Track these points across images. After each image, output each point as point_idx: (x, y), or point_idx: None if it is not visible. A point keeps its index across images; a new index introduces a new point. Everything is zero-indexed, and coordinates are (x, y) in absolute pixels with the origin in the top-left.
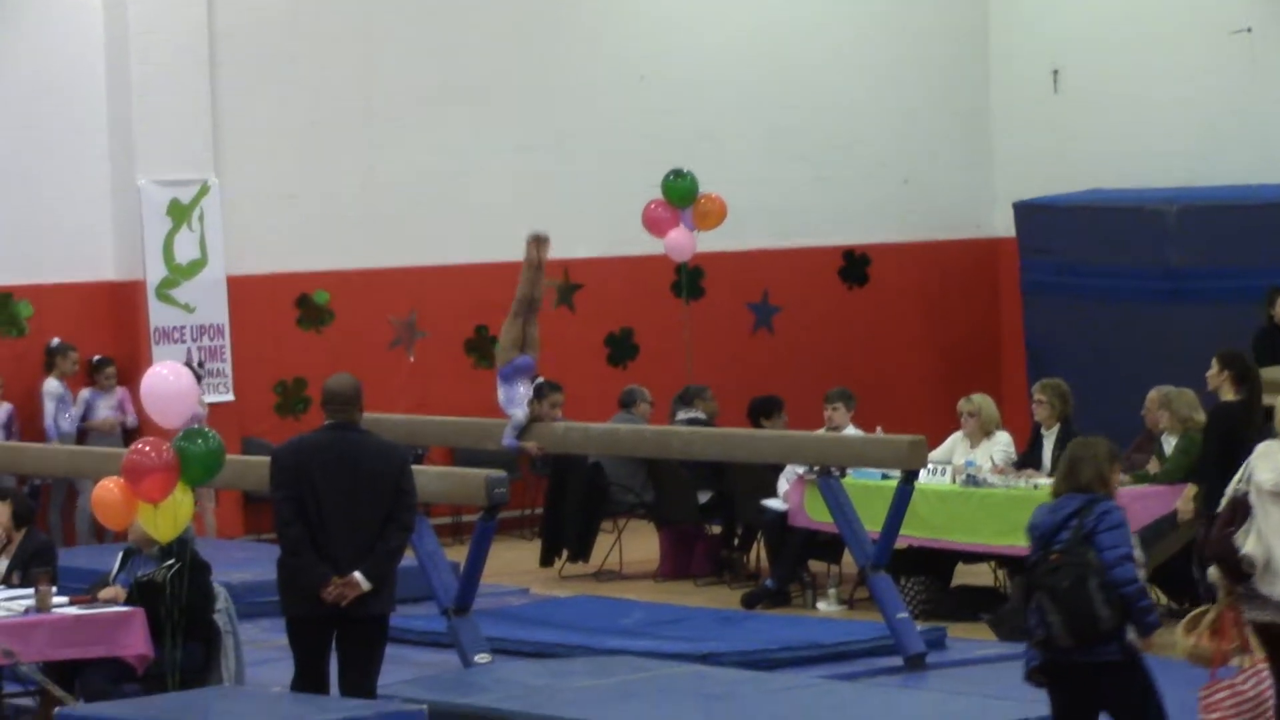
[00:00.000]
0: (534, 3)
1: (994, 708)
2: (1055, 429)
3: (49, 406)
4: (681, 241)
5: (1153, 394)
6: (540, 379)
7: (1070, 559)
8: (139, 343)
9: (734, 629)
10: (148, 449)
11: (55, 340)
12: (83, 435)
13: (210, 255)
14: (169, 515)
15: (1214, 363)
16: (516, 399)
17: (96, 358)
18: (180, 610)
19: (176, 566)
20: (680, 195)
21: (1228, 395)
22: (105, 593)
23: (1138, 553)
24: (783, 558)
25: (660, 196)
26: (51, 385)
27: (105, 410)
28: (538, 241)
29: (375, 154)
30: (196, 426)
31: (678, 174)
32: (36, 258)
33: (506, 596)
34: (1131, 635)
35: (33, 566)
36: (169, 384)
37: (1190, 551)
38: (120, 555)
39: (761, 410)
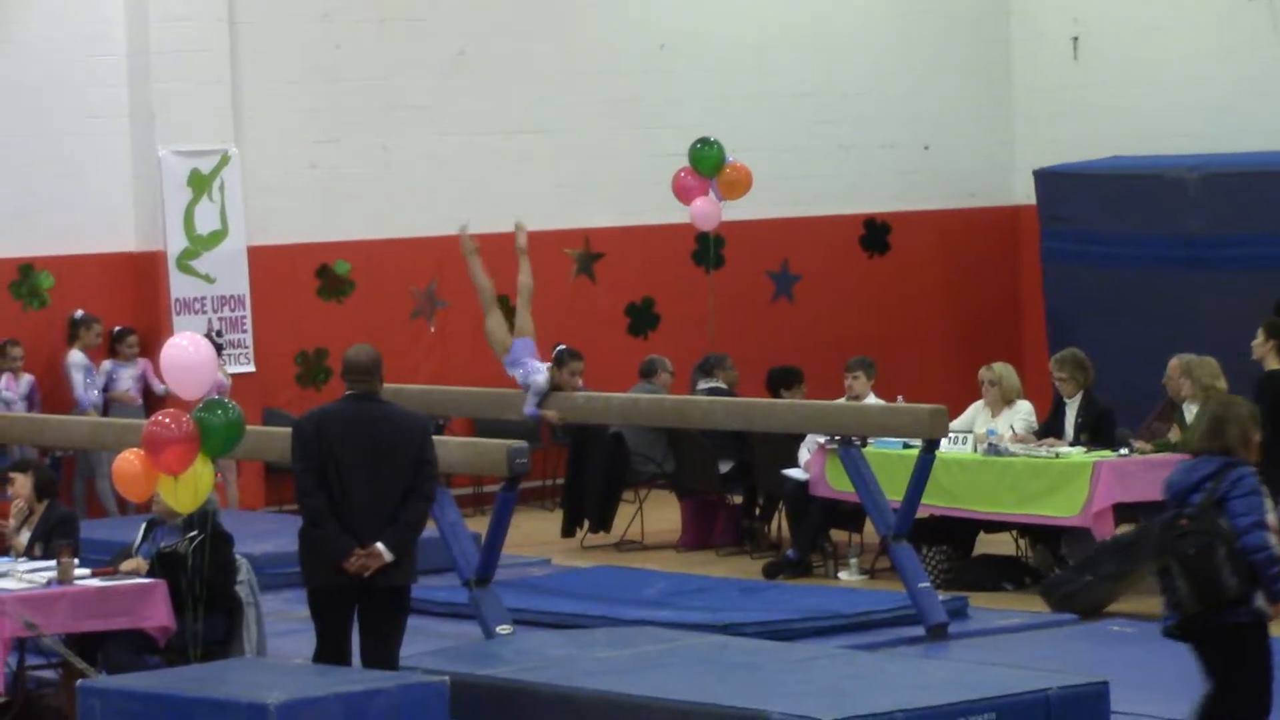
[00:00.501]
0: None
1: (1017, 677)
2: (1078, 397)
3: (77, 377)
4: (707, 210)
5: (1174, 362)
6: (561, 346)
7: (1199, 525)
8: (160, 313)
9: (756, 599)
10: (167, 420)
11: (79, 312)
12: (104, 406)
13: (231, 226)
14: (190, 487)
15: (1260, 333)
16: (533, 369)
17: (117, 329)
18: (202, 582)
19: (199, 539)
20: (708, 164)
21: (1273, 364)
22: (127, 564)
23: (1271, 517)
24: (804, 527)
25: (686, 164)
26: (76, 357)
27: (127, 381)
28: (518, 229)
29: (395, 123)
30: (218, 397)
31: (705, 142)
32: (57, 229)
33: (528, 567)
34: (1260, 601)
35: (55, 538)
36: (189, 355)
37: None
38: (143, 527)
39: (781, 381)
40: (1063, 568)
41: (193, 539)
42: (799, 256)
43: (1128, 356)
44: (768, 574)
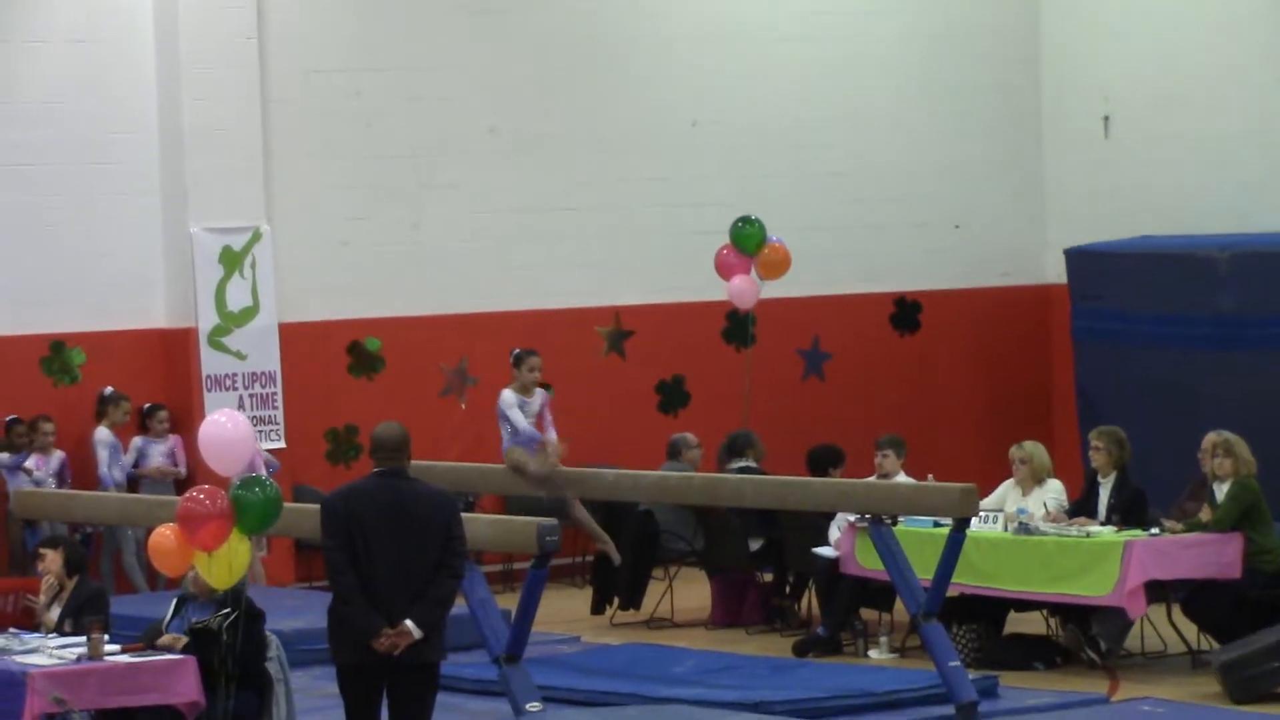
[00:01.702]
0: (585, 49)
1: None
2: (1112, 476)
3: (102, 455)
4: (745, 289)
5: (1212, 438)
6: (517, 350)
7: None
8: (191, 390)
9: (786, 677)
10: (202, 497)
11: (108, 389)
12: (134, 483)
13: (262, 302)
14: (225, 563)
15: None
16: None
17: (148, 405)
18: (235, 659)
19: (233, 615)
20: (749, 242)
21: None
22: (164, 640)
23: None
24: (834, 605)
25: (727, 242)
26: (103, 434)
27: (157, 458)
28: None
29: (426, 201)
30: (258, 475)
31: (746, 221)
32: (89, 305)
33: (558, 644)
34: None
35: (86, 614)
36: (227, 431)
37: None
38: (174, 602)
39: (828, 460)
40: (1093, 647)
41: (226, 615)
42: (830, 334)
43: (1157, 436)
44: (798, 652)
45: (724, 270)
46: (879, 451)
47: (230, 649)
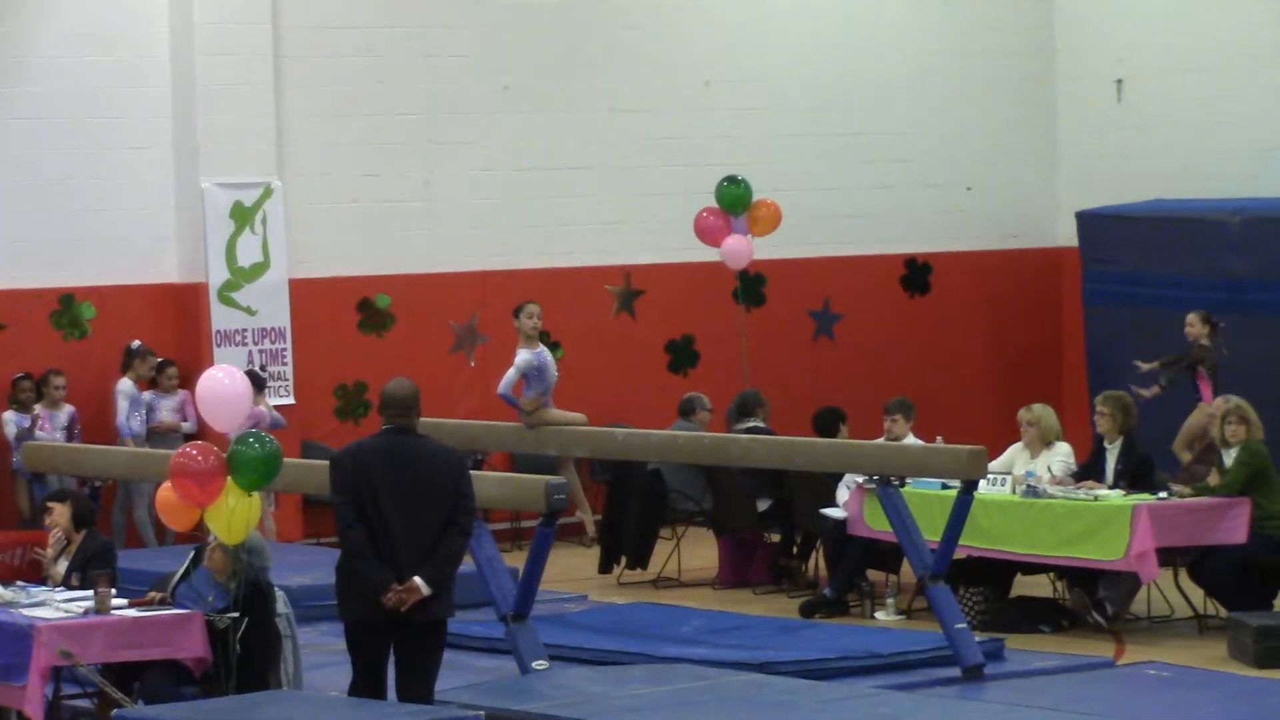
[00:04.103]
0: (599, 8)
1: (1052, 719)
2: (1119, 442)
3: (122, 405)
4: (738, 248)
5: (1220, 403)
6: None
7: None
8: (200, 345)
9: (792, 638)
10: (195, 452)
11: (136, 343)
12: (148, 437)
13: (273, 258)
14: (240, 518)
15: None
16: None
17: (159, 360)
18: (239, 660)
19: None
20: (733, 201)
21: None
22: (151, 595)
23: None
24: (841, 567)
25: (709, 205)
26: (125, 385)
27: (167, 413)
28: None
29: (437, 159)
30: (256, 430)
31: (732, 180)
32: (99, 260)
33: (565, 603)
34: None
35: (92, 568)
36: (224, 387)
37: (1246, 564)
38: (189, 558)
39: (835, 421)
40: (1099, 611)
41: (234, 618)
42: (840, 295)
43: (1167, 399)
44: (804, 612)
45: (704, 234)
46: (888, 416)
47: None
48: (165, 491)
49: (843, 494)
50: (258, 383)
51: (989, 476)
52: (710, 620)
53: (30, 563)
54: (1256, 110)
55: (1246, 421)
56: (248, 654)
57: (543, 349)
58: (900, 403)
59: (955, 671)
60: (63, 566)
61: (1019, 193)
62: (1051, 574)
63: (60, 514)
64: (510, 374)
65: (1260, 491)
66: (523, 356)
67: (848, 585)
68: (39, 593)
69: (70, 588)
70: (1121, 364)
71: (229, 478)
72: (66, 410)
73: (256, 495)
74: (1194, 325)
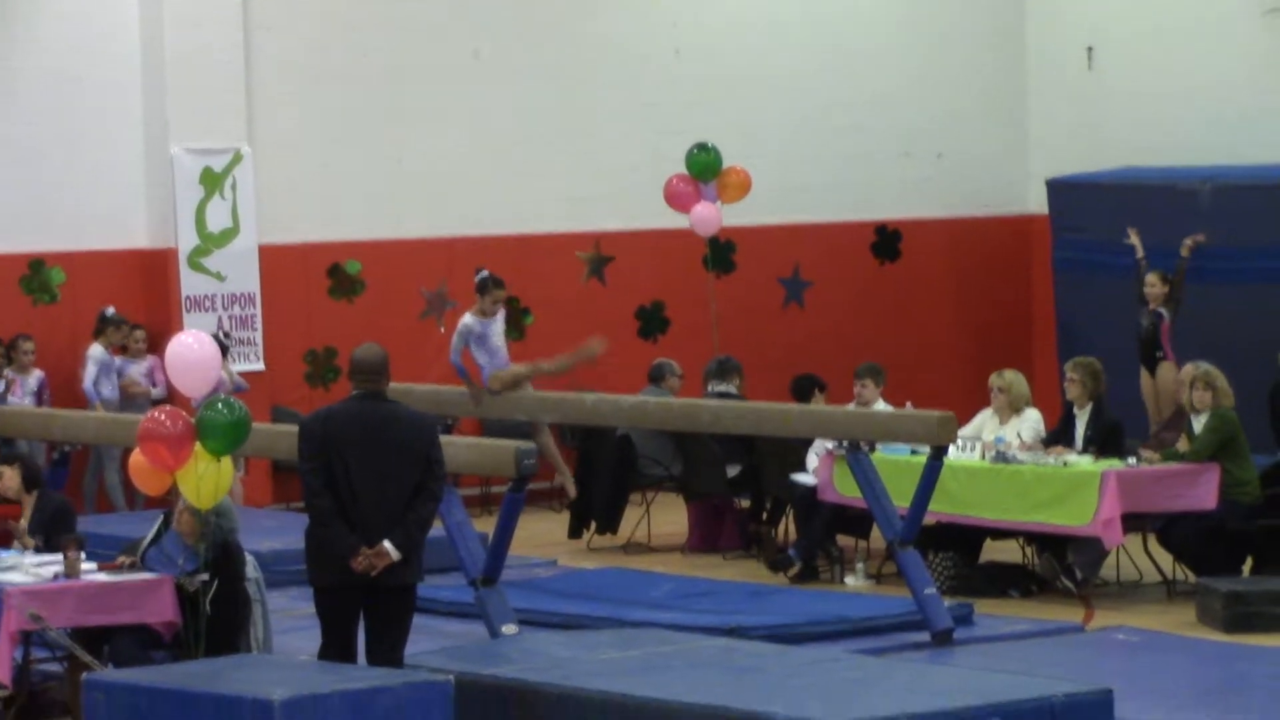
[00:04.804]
0: None
1: (1021, 684)
2: (1088, 408)
3: (91, 370)
4: (707, 215)
5: (1191, 370)
6: (485, 272)
7: None
8: (170, 311)
9: (762, 602)
10: (163, 417)
11: (110, 309)
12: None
13: (242, 224)
14: (209, 483)
15: None
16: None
17: (126, 323)
18: (208, 624)
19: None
20: (703, 169)
21: None
22: (120, 560)
23: None
24: (809, 532)
25: (678, 172)
26: (96, 350)
27: (135, 378)
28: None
29: (407, 124)
30: (228, 397)
31: (702, 148)
32: (69, 225)
33: (534, 568)
34: None
35: (54, 529)
36: (193, 352)
37: (1215, 530)
38: (157, 523)
39: (810, 387)
40: (1069, 576)
41: (205, 582)
42: (810, 263)
43: (1137, 366)
44: (773, 569)
45: (674, 200)
46: (858, 381)
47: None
48: (138, 456)
49: (813, 460)
50: (220, 348)
51: (958, 442)
52: (680, 585)
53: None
54: (1227, 78)
55: (1213, 388)
56: (218, 617)
57: (490, 322)
58: (870, 368)
59: (925, 636)
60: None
61: (989, 160)
62: (1021, 539)
63: (10, 478)
64: (455, 340)
65: (1229, 458)
66: (464, 321)
67: (816, 551)
68: (9, 557)
69: (37, 551)
70: (1090, 330)
71: (197, 443)
72: (36, 375)
73: (228, 460)
74: (1154, 285)
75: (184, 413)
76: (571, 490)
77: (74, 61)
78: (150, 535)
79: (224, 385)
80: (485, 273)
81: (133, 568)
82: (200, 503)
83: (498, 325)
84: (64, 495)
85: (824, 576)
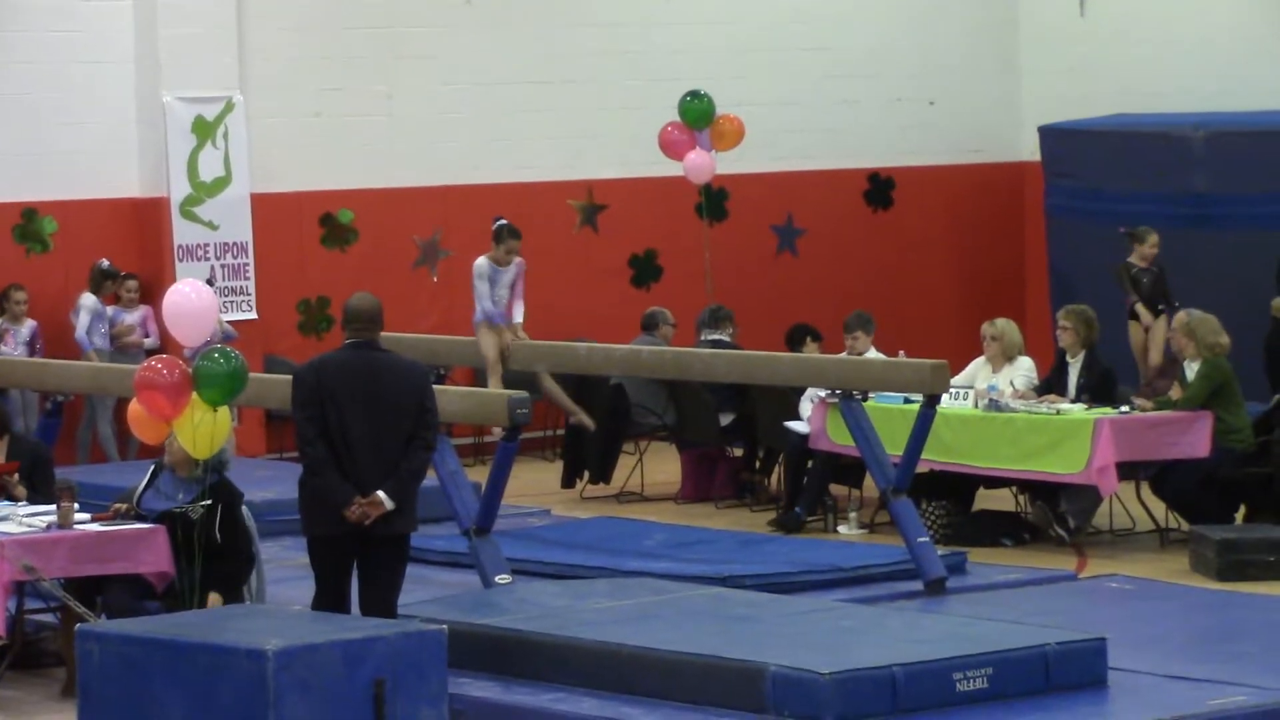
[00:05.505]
0: None
1: (1014, 632)
2: (1081, 355)
3: (84, 319)
4: (700, 163)
5: (1179, 318)
6: (502, 221)
7: None
8: (162, 260)
9: (754, 552)
10: (160, 366)
11: (105, 262)
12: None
13: (234, 173)
14: (206, 432)
15: None
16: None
17: (121, 274)
18: (208, 544)
19: (215, 508)
20: (697, 116)
21: None
22: (116, 506)
23: None
24: (807, 484)
25: (673, 120)
26: (89, 299)
27: (130, 327)
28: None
29: (400, 73)
30: (225, 347)
31: (695, 95)
32: (61, 174)
33: (528, 517)
34: None
35: (37, 477)
36: (191, 302)
37: (1208, 478)
38: (149, 471)
39: (803, 335)
40: (1061, 524)
41: (204, 506)
42: (803, 210)
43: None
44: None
45: (669, 147)
46: (848, 335)
47: (204, 532)
48: (136, 406)
49: (806, 408)
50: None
51: (951, 391)
52: (673, 534)
53: None
54: (1220, 24)
55: (1192, 337)
56: (223, 545)
57: (502, 271)
58: (859, 318)
59: (918, 585)
60: None
61: (982, 107)
62: (1013, 488)
63: None
64: (476, 284)
65: (1222, 405)
66: (478, 262)
67: (814, 501)
68: (1, 508)
69: (17, 502)
70: (1083, 278)
71: (194, 393)
72: (29, 325)
73: (225, 410)
74: (1155, 246)
75: (180, 362)
76: (589, 424)
77: (65, 9)
78: (143, 484)
79: (216, 334)
80: (503, 221)
81: (129, 513)
82: (197, 452)
83: (507, 276)
84: (37, 439)
85: (817, 525)
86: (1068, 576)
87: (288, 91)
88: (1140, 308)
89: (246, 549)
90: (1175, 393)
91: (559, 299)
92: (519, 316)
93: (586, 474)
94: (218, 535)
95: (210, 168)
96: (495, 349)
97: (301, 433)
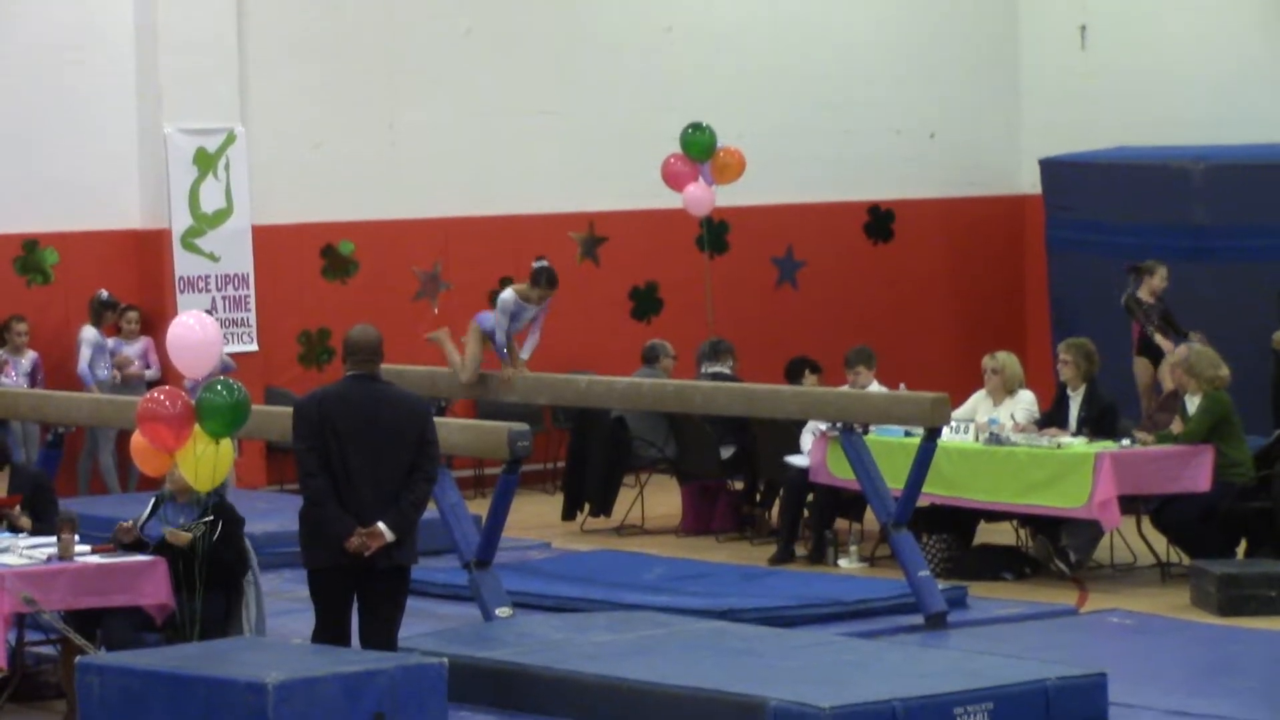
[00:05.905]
0: None
1: (1015, 667)
2: (1081, 389)
3: (85, 352)
4: (699, 196)
5: (1179, 352)
6: (545, 263)
7: None
8: (164, 291)
9: (755, 585)
10: (162, 398)
11: (104, 294)
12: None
13: (236, 204)
14: (208, 464)
15: None
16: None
17: (121, 305)
18: (210, 566)
19: (216, 527)
20: (699, 149)
21: None
22: (122, 526)
23: None
24: (810, 519)
25: (675, 151)
26: (89, 332)
27: (130, 359)
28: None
29: (401, 104)
30: (227, 379)
31: (696, 127)
32: (62, 205)
33: (528, 550)
34: None
35: (40, 508)
36: (195, 334)
37: (1209, 512)
38: (151, 502)
39: (802, 368)
40: (1062, 558)
41: (205, 523)
42: (803, 243)
43: (1131, 346)
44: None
45: (672, 179)
46: (849, 370)
47: (208, 557)
48: (139, 437)
49: (807, 441)
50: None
51: (952, 424)
52: (673, 567)
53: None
54: (1220, 58)
55: (1192, 374)
56: (221, 562)
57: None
58: (859, 353)
59: (918, 619)
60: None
61: (982, 140)
62: (1014, 522)
63: None
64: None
65: (1223, 439)
66: (504, 296)
67: (817, 536)
68: (2, 539)
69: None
70: (1084, 311)
71: (197, 425)
72: (29, 356)
73: (227, 442)
74: (1165, 279)
75: (183, 394)
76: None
77: (67, 41)
78: (145, 514)
79: (230, 368)
80: (545, 263)
81: (130, 535)
82: (199, 485)
83: (529, 313)
84: (39, 468)
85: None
86: (1069, 611)
87: (289, 123)
88: (1160, 338)
89: (245, 561)
90: (1176, 426)
91: (560, 331)
92: (528, 352)
93: (587, 506)
94: (219, 548)
95: (211, 199)
96: (477, 360)
97: (303, 465)
